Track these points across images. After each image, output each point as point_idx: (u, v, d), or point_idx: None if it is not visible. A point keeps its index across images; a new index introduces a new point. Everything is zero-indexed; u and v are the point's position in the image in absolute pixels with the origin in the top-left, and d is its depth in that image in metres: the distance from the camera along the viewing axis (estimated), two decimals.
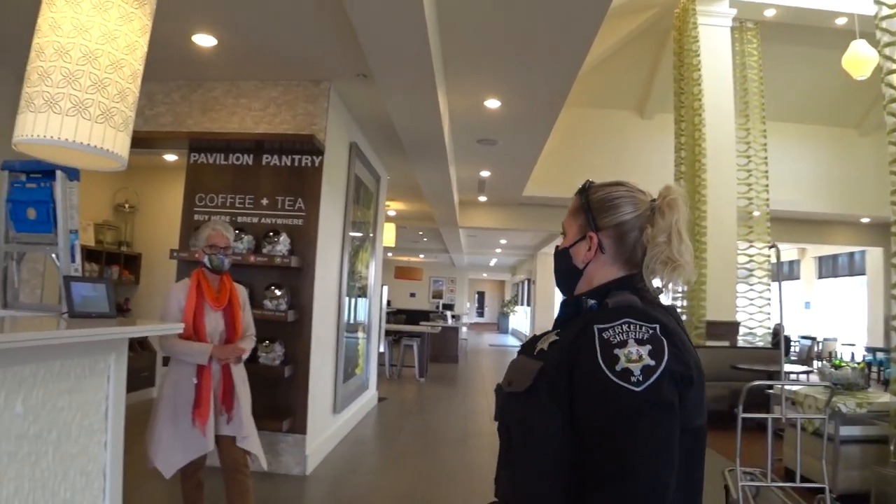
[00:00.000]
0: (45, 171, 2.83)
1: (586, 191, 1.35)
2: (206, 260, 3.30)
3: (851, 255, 16.32)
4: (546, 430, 1.13)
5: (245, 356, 3.39)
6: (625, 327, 1.10)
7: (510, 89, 5.81)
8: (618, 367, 1.06)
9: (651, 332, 1.09)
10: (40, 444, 2.14)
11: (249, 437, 3.32)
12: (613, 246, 1.28)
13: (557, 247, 1.40)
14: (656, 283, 1.26)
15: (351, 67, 4.94)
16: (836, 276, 17.26)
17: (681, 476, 1.07)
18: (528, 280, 24.13)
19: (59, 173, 2.76)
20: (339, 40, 4.49)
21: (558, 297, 13.52)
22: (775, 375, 7.56)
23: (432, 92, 5.07)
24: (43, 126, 1.99)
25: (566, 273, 1.36)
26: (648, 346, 1.08)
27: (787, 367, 9.49)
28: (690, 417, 1.10)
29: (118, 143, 2.13)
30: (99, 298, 2.55)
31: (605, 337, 1.10)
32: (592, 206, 1.31)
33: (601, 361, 1.08)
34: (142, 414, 6.72)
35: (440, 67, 4.97)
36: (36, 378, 2.09)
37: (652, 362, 1.06)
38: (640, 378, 1.05)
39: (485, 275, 35.14)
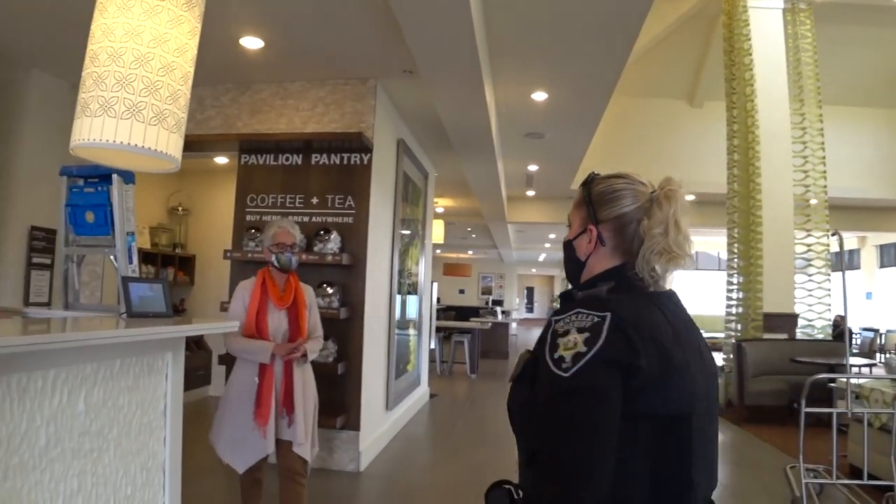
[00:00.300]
0: (101, 176, 2.89)
1: (589, 184, 1.37)
2: (273, 258, 3.28)
3: None
4: (529, 414, 1.16)
5: (311, 357, 3.33)
6: (573, 317, 1.15)
7: (557, 81, 5.74)
8: (556, 355, 1.11)
9: (595, 320, 1.12)
10: (102, 441, 2.19)
11: (304, 445, 3.24)
12: (614, 238, 1.30)
13: (565, 238, 1.43)
14: (667, 272, 1.27)
15: (397, 64, 4.95)
16: None
17: (646, 465, 1.11)
18: None
19: (115, 177, 2.82)
20: (385, 37, 4.49)
21: None
22: (838, 368, 7.31)
23: (479, 86, 5.04)
24: (99, 130, 2.03)
25: (571, 265, 1.39)
26: (586, 334, 1.11)
27: (851, 360, 9.19)
28: (648, 404, 1.11)
29: (171, 145, 2.16)
30: (156, 298, 2.59)
31: (556, 328, 1.15)
32: (594, 198, 1.33)
33: (547, 350, 1.13)
34: (198, 412, 6.91)
35: (486, 61, 4.94)
36: (97, 376, 2.14)
37: (584, 349, 1.09)
38: (569, 364, 1.08)
39: (534, 270, 34.96)
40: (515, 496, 1.19)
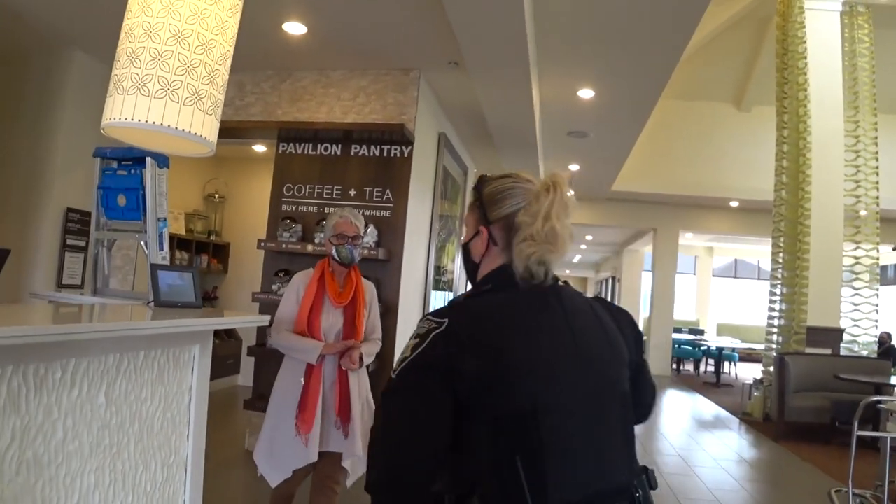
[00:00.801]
0: (135, 158, 2.81)
1: (480, 185, 1.39)
2: (333, 251, 2.96)
3: None
4: None
5: (367, 361, 3.03)
6: (421, 323, 1.23)
7: (605, 78, 5.56)
8: (399, 356, 1.22)
9: (431, 326, 1.19)
10: (122, 436, 2.08)
11: (360, 459, 2.93)
12: (504, 238, 1.31)
13: (461, 241, 1.46)
14: (529, 261, 1.25)
15: (442, 55, 4.80)
16: None
17: (488, 458, 1.14)
18: (613, 277, 23.56)
19: (148, 160, 2.73)
20: (430, 27, 4.35)
21: (646, 294, 13.14)
22: (884, 389, 7.03)
23: (526, 80, 4.89)
24: (131, 109, 1.92)
25: (468, 267, 1.41)
26: (416, 340, 1.19)
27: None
28: (482, 406, 1.15)
29: (206, 127, 2.04)
30: (185, 287, 2.49)
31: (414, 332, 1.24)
32: (484, 200, 1.36)
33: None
34: (226, 401, 6.88)
35: (533, 55, 4.78)
36: (119, 368, 2.04)
37: (409, 354, 1.19)
38: (396, 366, 1.20)
39: (567, 272, 34.59)
40: None
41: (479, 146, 7.71)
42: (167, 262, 2.81)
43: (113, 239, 2.99)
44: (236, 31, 2.17)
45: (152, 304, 2.42)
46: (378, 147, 5.05)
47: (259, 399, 4.67)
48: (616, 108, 6.43)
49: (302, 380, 2.85)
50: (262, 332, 4.85)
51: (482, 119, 6.26)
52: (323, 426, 2.85)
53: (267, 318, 2.62)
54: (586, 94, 5.95)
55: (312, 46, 4.79)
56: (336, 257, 2.97)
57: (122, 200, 2.83)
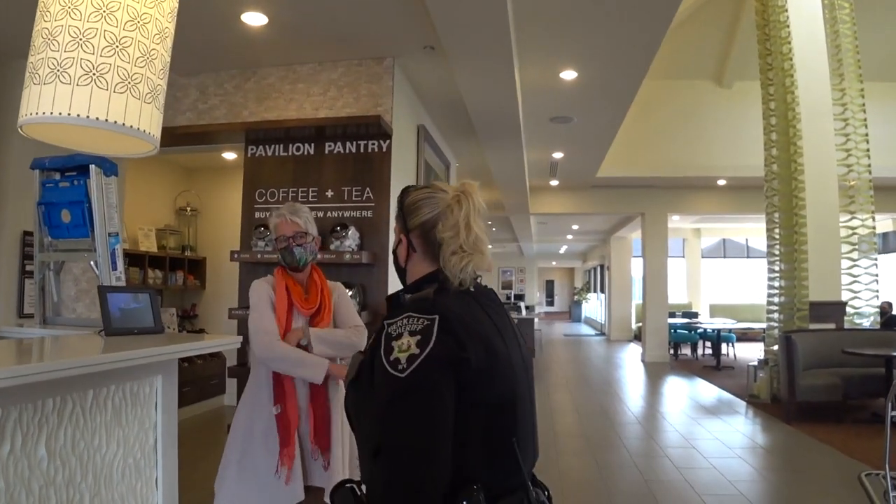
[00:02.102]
0: (78, 167, 2.46)
1: (402, 196, 1.46)
2: (279, 256, 2.59)
3: None
4: (368, 414, 1.23)
5: (343, 353, 2.59)
6: (405, 321, 1.22)
7: (589, 57, 5.29)
8: (391, 358, 1.18)
9: (425, 323, 1.20)
10: (73, 493, 1.75)
11: None
12: (422, 245, 1.40)
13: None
14: (463, 272, 1.34)
15: (416, 39, 4.48)
16: None
17: (482, 445, 1.22)
18: (602, 266, 23.32)
19: (92, 168, 2.38)
20: (402, 9, 4.03)
21: (637, 282, 12.95)
22: (894, 360, 6.81)
23: (508, 62, 4.61)
24: (49, 100, 1.58)
25: (397, 272, 1.48)
26: (418, 337, 1.19)
27: None
28: (479, 393, 1.21)
29: (145, 118, 1.70)
30: (142, 311, 2.15)
31: (389, 331, 1.22)
32: (404, 209, 1.43)
33: (382, 353, 1.20)
34: (214, 423, 6.52)
35: (513, 35, 4.47)
36: (62, 414, 1.70)
37: (417, 351, 1.17)
38: (405, 366, 1.16)
39: (554, 263, 34.36)
40: (359, 492, 1.27)
41: (460, 138, 7.40)
42: (122, 283, 2.46)
43: (60, 261, 2.63)
44: (176, 4, 1.83)
45: (104, 332, 2.07)
46: (354, 143, 4.71)
47: None
48: (600, 89, 6.16)
49: (274, 408, 2.43)
50: (244, 352, 4.49)
51: (462, 108, 5.95)
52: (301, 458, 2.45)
53: (238, 338, 2.28)
54: (569, 75, 5.67)
55: (275, 38, 4.44)
56: (282, 262, 2.59)
57: (66, 216, 2.48)
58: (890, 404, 3.74)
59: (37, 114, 1.59)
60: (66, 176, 2.53)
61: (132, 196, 6.36)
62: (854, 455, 5.47)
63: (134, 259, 6.40)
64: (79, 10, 1.62)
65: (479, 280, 1.42)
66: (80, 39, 1.61)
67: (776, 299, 8.60)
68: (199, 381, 6.82)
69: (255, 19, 4.11)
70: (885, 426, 3.77)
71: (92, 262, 2.45)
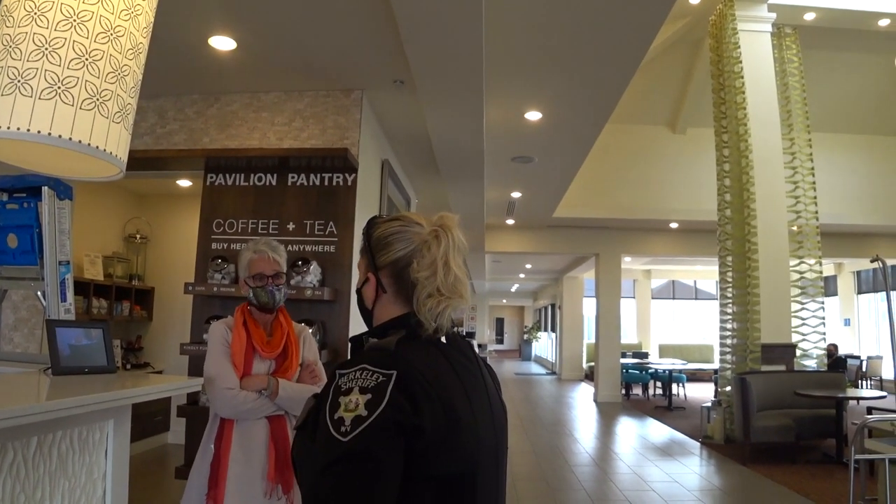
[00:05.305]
0: (28, 189, 2.27)
1: (369, 229, 1.31)
2: (250, 295, 2.45)
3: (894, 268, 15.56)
4: (308, 470, 1.08)
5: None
6: (357, 373, 1.07)
7: (555, 99, 5.32)
8: (336, 416, 1.03)
9: (380, 380, 1.05)
10: None
11: None
12: (393, 284, 1.25)
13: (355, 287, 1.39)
14: (440, 318, 1.20)
15: (386, 73, 4.40)
16: (876, 290, 16.47)
17: None
18: (553, 305, 23.43)
19: (45, 190, 2.20)
20: (374, 41, 3.95)
21: (590, 322, 13.07)
22: (843, 402, 7.00)
23: (478, 99, 4.59)
24: (7, 114, 1.43)
25: (362, 314, 1.33)
26: (369, 395, 1.04)
27: (862, 393, 8.86)
28: (432, 465, 1.07)
29: (112, 139, 1.55)
30: (94, 348, 1.97)
31: (339, 383, 1.07)
32: (372, 245, 1.28)
33: (328, 408, 1.05)
34: (155, 463, 6.19)
35: (484, 73, 4.44)
36: (1, 464, 1.51)
37: (364, 412, 1.02)
38: (348, 428, 1.01)
39: (504, 301, 34.44)
40: None
41: (421, 174, 7.34)
42: (72, 316, 2.27)
43: (3, 289, 2.43)
44: (152, 17, 1.70)
45: (50, 370, 1.89)
46: (318, 175, 4.58)
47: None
48: (563, 131, 6.20)
49: (211, 445, 2.31)
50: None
51: (425, 144, 5.89)
52: (246, 499, 2.29)
53: (200, 381, 2.11)
54: (534, 115, 5.69)
55: (242, 64, 4.30)
56: (255, 302, 2.44)
57: (12, 241, 2.28)
58: (853, 449, 3.74)
59: None
60: (15, 197, 2.34)
61: (79, 220, 6.07)
62: (810, 496, 5.48)
63: (79, 287, 6.07)
64: (46, 17, 1.48)
65: (456, 329, 1.27)
66: (46, 49, 1.47)
67: (728, 341, 8.73)
68: (142, 417, 6.49)
69: (223, 44, 3.98)
70: (850, 471, 3.76)
71: (39, 293, 2.26)
